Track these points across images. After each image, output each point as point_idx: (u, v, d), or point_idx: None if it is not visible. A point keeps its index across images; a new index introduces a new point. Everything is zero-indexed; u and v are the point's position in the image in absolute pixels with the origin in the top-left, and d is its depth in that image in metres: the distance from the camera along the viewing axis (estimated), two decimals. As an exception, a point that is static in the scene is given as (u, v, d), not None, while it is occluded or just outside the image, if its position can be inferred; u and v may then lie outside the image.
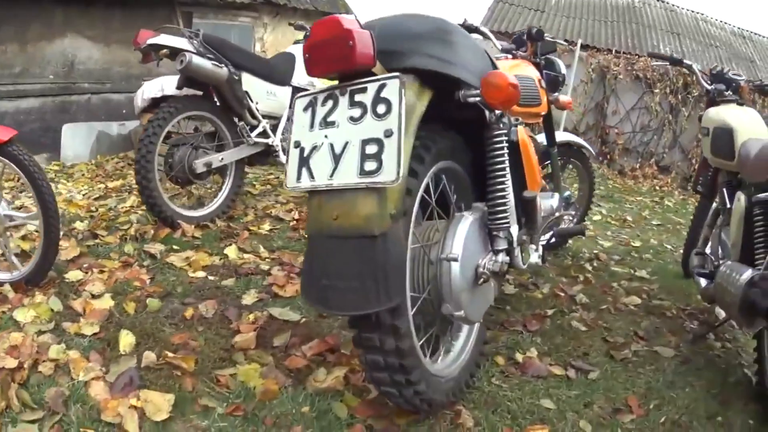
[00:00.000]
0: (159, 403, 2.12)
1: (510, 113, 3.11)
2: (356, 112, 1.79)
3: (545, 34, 3.69)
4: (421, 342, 2.11)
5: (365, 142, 1.75)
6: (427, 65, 1.90)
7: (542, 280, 4.02)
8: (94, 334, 2.66)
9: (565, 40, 10.64)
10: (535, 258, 2.90)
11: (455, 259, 2.09)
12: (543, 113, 3.53)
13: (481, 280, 2.24)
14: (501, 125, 2.31)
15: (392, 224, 1.74)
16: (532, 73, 3.43)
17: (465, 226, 2.20)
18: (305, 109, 1.92)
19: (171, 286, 3.30)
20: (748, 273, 2.49)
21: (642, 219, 7.19)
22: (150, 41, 4.13)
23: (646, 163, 10.90)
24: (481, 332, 2.60)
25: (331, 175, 1.78)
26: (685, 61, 4.14)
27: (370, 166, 1.72)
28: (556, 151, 3.92)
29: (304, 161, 1.86)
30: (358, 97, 1.80)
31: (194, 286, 3.32)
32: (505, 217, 2.34)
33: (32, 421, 2.03)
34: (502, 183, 2.32)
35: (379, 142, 1.73)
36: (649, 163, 10.91)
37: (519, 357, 2.85)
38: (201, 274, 3.50)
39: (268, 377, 2.40)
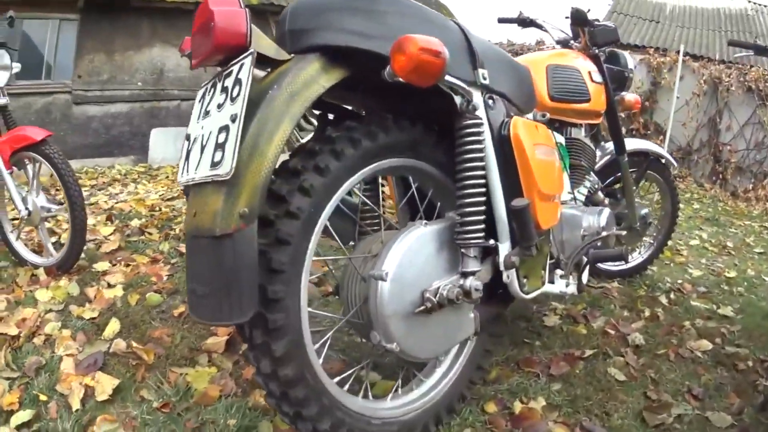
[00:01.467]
0: (105, 386, 2.21)
1: (539, 109, 2.53)
2: (222, 98, 1.55)
3: (588, 15, 3.05)
4: (348, 373, 1.93)
5: (220, 130, 1.50)
6: (336, 41, 1.60)
7: (598, 312, 3.37)
8: (91, 318, 2.83)
9: (676, 52, 9.98)
10: (562, 286, 2.42)
11: (382, 278, 1.73)
12: (600, 112, 2.96)
13: (424, 307, 1.82)
14: (474, 114, 1.87)
15: (242, 225, 1.42)
16: (581, 64, 2.86)
17: (410, 238, 1.82)
18: (200, 99, 1.71)
19: (182, 284, 3.29)
20: None
21: (744, 246, 6.26)
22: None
23: (759, 184, 9.81)
24: (465, 373, 2.19)
25: (196, 168, 1.54)
26: None
27: (217, 156, 1.46)
28: (627, 161, 3.33)
29: (187, 155, 1.64)
30: (226, 82, 1.55)
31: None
32: (476, 231, 1.91)
33: (6, 379, 2.29)
34: (474, 187, 1.89)
35: (226, 129, 1.47)
36: (763, 184, 9.80)
37: (517, 407, 2.30)
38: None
39: (216, 383, 2.31)
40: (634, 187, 3.68)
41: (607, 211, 2.71)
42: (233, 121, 1.45)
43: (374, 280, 1.74)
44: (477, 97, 1.90)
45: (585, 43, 3.08)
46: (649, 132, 9.68)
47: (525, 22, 3.42)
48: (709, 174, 9.86)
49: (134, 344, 2.53)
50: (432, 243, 1.88)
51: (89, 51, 7.70)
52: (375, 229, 2.13)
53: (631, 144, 3.59)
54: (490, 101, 1.99)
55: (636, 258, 4.08)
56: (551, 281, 2.42)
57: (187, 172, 1.58)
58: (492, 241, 2.01)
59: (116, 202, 5.55)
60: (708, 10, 14.08)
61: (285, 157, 1.69)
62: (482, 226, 1.92)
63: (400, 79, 1.58)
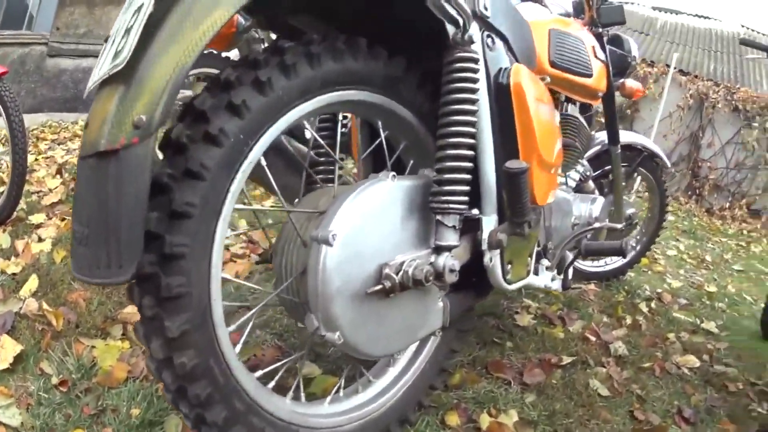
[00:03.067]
0: (8, 352, 1.86)
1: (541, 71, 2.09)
2: None
3: None
4: (276, 366, 1.45)
5: (134, 13, 1.02)
6: None
7: (576, 314, 2.97)
8: (13, 273, 2.51)
9: (666, 64, 9.71)
10: (547, 280, 1.98)
11: (327, 242, 1.24)
12: (600, 94, 2.51)
13: (381, 287, 1.34)
14: (469, 47, 1.42)
15: (135, 140, 0.97)
16: (585, 36, 2.43)
17: (370, 192, 1.36)
18: None
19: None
20: None
21: (723, 262, 5.93)
22: None
23: (736, 203, 9.54)
24: (424, 376, 1.72)
25: (101, 67, 1.05)
26: None
27: (121, 44, 1.01)
28: (619, 153, 2.92)
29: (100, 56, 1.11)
30: None
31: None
32: (458, 194, 1.44)
33: None
34: (460, 136, 1.44)
35: (139, 10, 1.01)
36: (740, 204, 9.53)
37: (485, 421, 1.87)
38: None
39: (124, 361, 1.89)
40: (623, 183, 3.29)
41: (601, 200, 2.31)
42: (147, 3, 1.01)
43: (317, 244, 1.27)
44: (474, 29, 1.46)
45: (590, 19, 2.67)
46: (630, 141, 9.44)
47: None
48: (685, 188, 9.61)
49: (45, 307, 2.14)
50: (400, 203, 1.43)
51: (71, 3, 7.32)
52: (328, 181, 1.64)
53: (626, 137, 3.21)
54: (489, 40, 1.58)
55: (615, 260, 3.69)
56: (536, 273, 1.97)
57: (92, 77, 1.08)
58: (476, 211, 1.59)
59: (72, 157, 5.18)
60: (700, 29, 13.82)
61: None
62: (466, 188, 1.47)
63: None
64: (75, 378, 1.78)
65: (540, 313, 2.86)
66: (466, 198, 1.47)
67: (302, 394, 1.51)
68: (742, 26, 14.71)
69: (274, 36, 1.60)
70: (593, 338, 2.67)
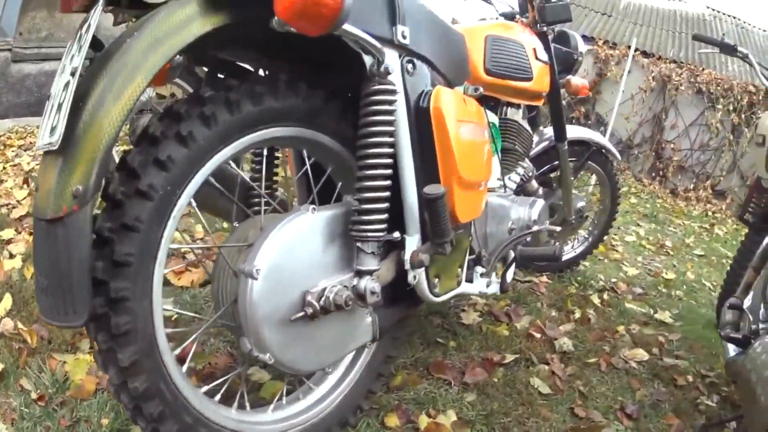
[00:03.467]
0: None
1: (473, 82, 2.14)
2: (75, 48, 1.21)
3: None
4: (220, 381, 1.59)
5: (64, 87, 1.16)
6: None
7: (523, 310, 3.01)
8: None
9: (627, 46, 9.77)
10: (482, 286, 2.08)
11: (252, 276, 1.37)
12: (543, 94, 2.60)
13: (301, 315, 1.46)
14: (385, 78, 1.50)
15: (75, 208, 1.11)
16: (526, 39, 2.48)
17: (291, 226, 1.46)
18: (66, 51, 1.28)
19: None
20: None
21: (684, 247, 5.97)
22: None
23: (701, 184, 9.62)
24: (362, 382, 1.83)
25: (42, 135, 1.18)
26: (739, 48, 3.14)
27: (55, 120, 1.13)
28: (566, 149, 3.01)
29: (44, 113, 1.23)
30: (81, 30, 1.22)
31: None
32: (376, 222, 1.55)
33: None
34: (377, 168, 1.54)
35: (67, 87, 1.14)
36: (705, 185, 9.61)
37: (423, 421, 1.95)
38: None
39: (93, 374, 1.98)
40: (572, 178, 3.34)
41: (540, 202, 2.35)
42: (73, 75, 1.14)
43: (243, 277, 1.39)
44: (392, 59, 1.55)
45: (533, 19, 2.71)
46: (589, 122, 9.48)
47: None
48: (648, 170, 9.69)
49: (20, 326, 2.22)
50: (320, 233, 1.52)
51: (33, 8, 7.38)
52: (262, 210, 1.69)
53: (573, 132, 3.27)
54: (410, 66, 1.64)
55: (568, 252, 3.77)
56: (470, 280, 2.06)
57: (39, 139, 1.20)
58: (397, 234, 1.65)
59: (38, 164, 5.10)
60: (664, 10, 13.85)
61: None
62: (384, 216, 1.56)
63: (291, 28, 1.25)
64: (51, 392, 1.88)
65: (487, 310, 2.90)
66: (384, 225, 1.56)
67: (247, 403, 1.62)
68: (708, 7, 14.80)
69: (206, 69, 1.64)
70: (538, 335, 2.72)
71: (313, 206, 1.52)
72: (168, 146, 1.24)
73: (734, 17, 14.94)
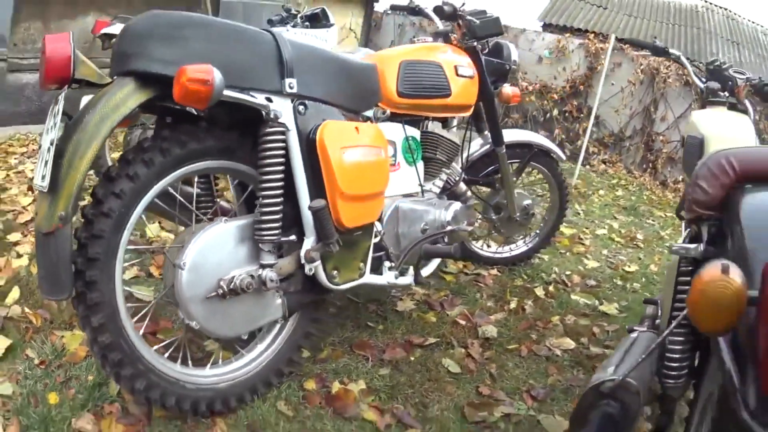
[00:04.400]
0: (1, 346, 2.45)
1: (386, 106, 2.68)
2: (51, 122, 1.85)
3: (458, 9, 3.10)
4: (168, 342, 2.25)
5: (47, 150, 1.79)
6: (144, 66, 1.84)
7: (461, 300, 3.36)
8: None
9: (617, 38, 9.97)
10: (391, 278, 2.57)
11: (180, 267, 1.98)
12: (467, 105, 3.01)
13: (214, 294, 2.04)
14: (275, 122, 2.06)
15: (60, 225, 1.77)
16: (446, 58, 2.90)
17: (210, 232, 2.06)
18: (49, 113, 1.91)
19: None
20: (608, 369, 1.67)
21: (657, 239, 6.11)
22: (104, 31, 4.41)
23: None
24: (283, 351, 2.38)
25: (37, 177, 1.84)
26: (671, 51, 3.47)
27: (43, 172, 1.79)
28: (505, 152, 3.38)
29: (38, 162, 1.90)
30: (55, 108, 1.85)
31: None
32: (271, 229, 2.12)
33: None
34: (270, 190, 2.11)
35: (48, 151, 1.78)
36: (693, 177, 9.75)
37: (336, 387, 2.45)
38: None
39: (85, 345, 2.48)
40: (515, 179, 3.68)
41: (456, 205, 2.72)
42: (51, 144, 1.76)
43: (177, 268, 1.98)
44: (282, 105, 2.08)
45: (462, 36, 3.06)
46: (581, 115, 9.67)
47: (414, 11, 3.41)
48: (639, 162, 9.89)
49: (27, 310, 2.73)
50: (232, 237, 2.11)
51: (26, 19, 7.61)
52: (209, 217, 2.29)
53: (514, 135, 3.60)
54: (301, 107, 2.15)
55: (520, 247, 4.06)
56: (379, 272, 2.52)
57: (35, 180, 1.86)
58: (293, 236, 2.21)
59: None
60: (658, 2, 14.12)
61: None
62: (277, 224, 2.12)
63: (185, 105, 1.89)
64: (51, 359, 2.41)
65: (424, 299, 3.23)
66: (277, 230, 2.12)
67: (190, 361, 2.22)
68: (703, -1, 14.99)
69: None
70: (464, 322, 3.07)
71: (225, 218, 2.16)
72: (121, 183, 1.87)
73: (725, 9, 15.25)
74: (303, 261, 2.21)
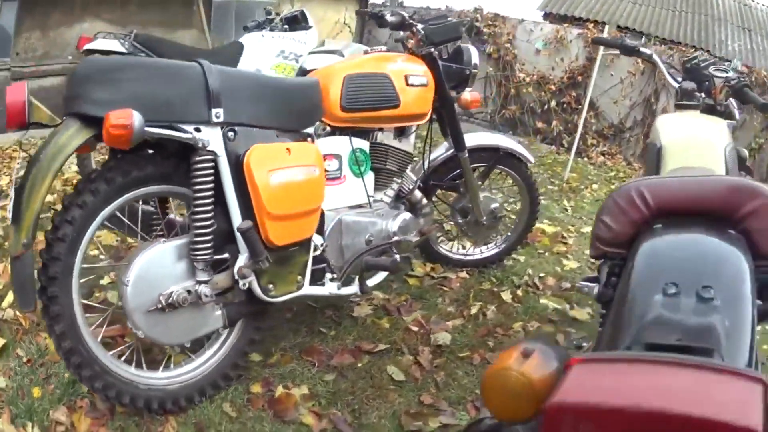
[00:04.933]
0: None
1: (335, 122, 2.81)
2: (20, 158, 2.31)
3: (389, 18, 3.20)
4: (124, 347, 2.50)
5: (14, 183, 2.18)
6: (83, 109, 2.06)
7: (420, 305, 3.41)
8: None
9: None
10: (333, 288, 2.70)
11: (124, 284, 2.21)
12: (420, 113, 3.07)
13: (154, 308, 2.25)
14: (204, 150, 2.24)
15: (24, 251, 2.04)
16: (395, 68, 2.98)
17: (150, 251, 2.28)
18: None
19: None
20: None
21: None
22: (86, 47, 4.62)
23: (690, 168, 9.75)
24: (229, 357, 2.57)
25: (7, 212, 2.30)
26: (642, 49, 3.19)
27: (10, 206, 2.11)
28: (467, 157, 3.44)
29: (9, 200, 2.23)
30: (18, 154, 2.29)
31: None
32: (204, 249, 2.30)
33: None
34: (201, 213, 2.28)
35: (11, 189, 2.23)
36: (695, 169, 9.73)
37: (279, 391, 2.61)
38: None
39: None
40: (481, 182, 3.74)
41: (404, 215, 2.83)
42: (13, 181, 2.15)
43: (122, 284, 2.23)
44: (210, 134, 2.25)
45: (417, 44, 3.11)
46: (580, 107, 9.60)
47: (376, 16, 3.37)
48: (639, 154, 9.87)
49: (18, 313, 2.98)
50: (170, 256, 2.31)
51: (27, 29, 7.89)
52: (159, 234, 2.53)
53: (479, 139, 3.65)
54: (231, 134, 2.31)
55: (491, 249, 4.06)
56: (321, 283, 2.66)
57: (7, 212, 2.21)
58: (227, 255, 2.39)
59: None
60: (664, -12, 13.88)
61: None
62: (209, 244, 2.30)
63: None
64: (35, 357, 2.71)
65: (382, 304, 3.31)
66: (209, 250, 2.30)
67: (144, 364, 2.45)
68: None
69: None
70: (416, 329, 3.13)
71: (163, 239, 2.37)
72: (72, 211, 2.13)
73: (737, -7, 14.97)
74: (236, 277, 2.38)
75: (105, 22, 8.37)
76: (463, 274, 3.88)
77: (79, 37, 5.82)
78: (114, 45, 4.60)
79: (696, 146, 2.45)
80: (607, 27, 8.49)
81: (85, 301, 2.45)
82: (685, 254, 1.58)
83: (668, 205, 1.72)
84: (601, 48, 8.41)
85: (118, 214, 2.37)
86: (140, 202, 2.50)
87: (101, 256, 3.39)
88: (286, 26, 5.51)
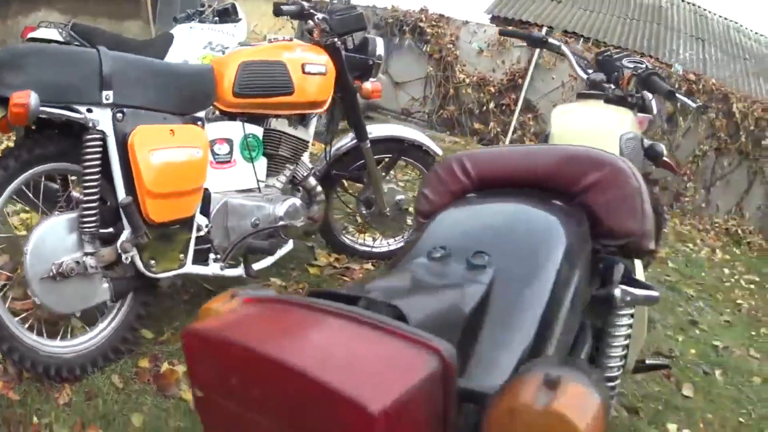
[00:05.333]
0: None
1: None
2: None
3: (285, 7, 3.36)
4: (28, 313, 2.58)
5: None
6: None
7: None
8: None
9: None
10: (216, 269, 2.85)
11: (25, 253, 2.33)
12: (317, 101, 3.20)
13: (47, 276, 2.36)
14: (93, 129, 2.39)
15: None
16: (292, 56, 3.10)
17: (46, 224, 2.43)
18: None
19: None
20: None
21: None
22: (29, 35, 4.93)
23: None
24: (119, 330, 2.69)
25: None
26: (551, 41, 3.09)
27: None
28: (369, 147, 3.57)
29: None
30: None
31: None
32: (90, 222, 2.44)
33: None
34: (89, 188, 2.43)
35: None
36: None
37: (164, 367, 2.74)
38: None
39: None
40: (385, 174, 3.87)
41: (290, 201, 2.96)
42: None
43: (24, 254, 2.34)
44: (100, 115, 2.41)
45: (320, 34, 3.22)
46: (515, 108, 9.75)
47: (276, 6, 3.50)
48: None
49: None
50: (63, 228, 2.45)
51: None
52: (61, 208, 2.64)
53: (383, 130, 3.79)
54: (120, 114, 2.46)
55: (398, 241, 4.14)
56: (205, 263, 2.81)
57: None
58: (112, 229, 2.52)
59: None
60: (618, -4, 14.29)
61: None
62: (95, 218, 2.44)
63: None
64: None
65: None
66: (95, 224, 2.45)
67: (44, 333, 2.56)
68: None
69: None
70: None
71: (58, 212, 2.52)
72: None
73: (693, 4, 15.36)
74: (119, 251, 2.52)
75: (59, 12, 8.56)
76: (368, 266, 4.01)
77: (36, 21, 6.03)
78: (53, 34, 4.82)
79: (585, 133, 2.35)
80: (544, 29, 8.60)
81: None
82: (477, 222, 1.49)
83: (491, 176, 1.62)
84: (537, 50, 8.65)
85: (24, 189, 2.49)
86: (43, 178, 2.59)
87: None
88: (216, 18, 5.63)
